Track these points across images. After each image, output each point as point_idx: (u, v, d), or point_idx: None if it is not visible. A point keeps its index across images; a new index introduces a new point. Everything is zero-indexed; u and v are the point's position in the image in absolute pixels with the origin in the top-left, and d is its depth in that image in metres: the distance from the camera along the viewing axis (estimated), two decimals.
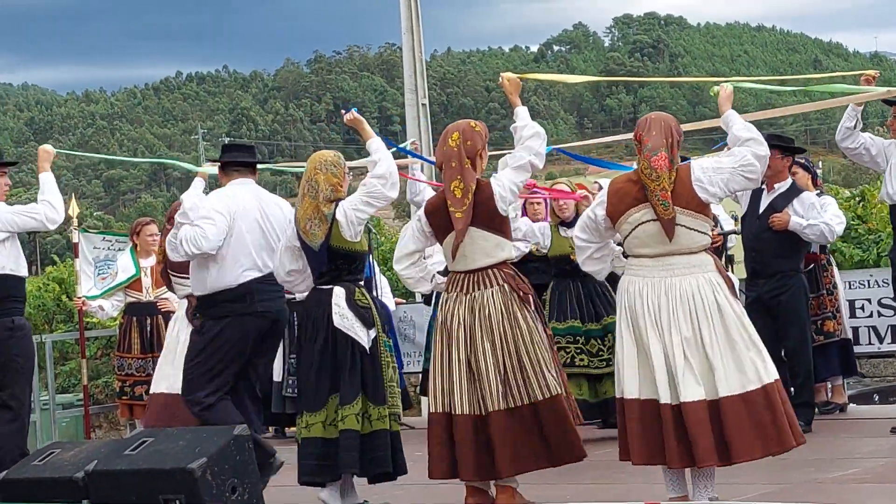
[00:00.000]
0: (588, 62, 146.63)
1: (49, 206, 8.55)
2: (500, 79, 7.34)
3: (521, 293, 6.92)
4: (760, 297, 9.23)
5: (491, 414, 6.81)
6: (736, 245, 10.37)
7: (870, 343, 9.56)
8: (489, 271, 6.96)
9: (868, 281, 11.37)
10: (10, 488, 6.98)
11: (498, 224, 6.97)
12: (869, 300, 10.47)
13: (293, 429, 11.82)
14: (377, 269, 12.54)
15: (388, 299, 12.66)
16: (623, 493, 7.18)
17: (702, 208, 6.40)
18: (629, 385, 6.46)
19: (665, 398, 6.30)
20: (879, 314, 11.22)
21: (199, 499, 6.37)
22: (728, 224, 10.45)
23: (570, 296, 9.94)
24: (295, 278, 7.51)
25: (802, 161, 10.48)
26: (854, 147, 9.14)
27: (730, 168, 6.42)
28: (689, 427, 6.21)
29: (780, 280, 9.20)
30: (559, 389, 6.85)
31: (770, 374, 6.35)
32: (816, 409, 10.36)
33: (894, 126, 9.08)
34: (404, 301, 13.99)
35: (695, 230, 6.40)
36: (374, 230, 13.64)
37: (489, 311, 6.90)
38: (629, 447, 6.46)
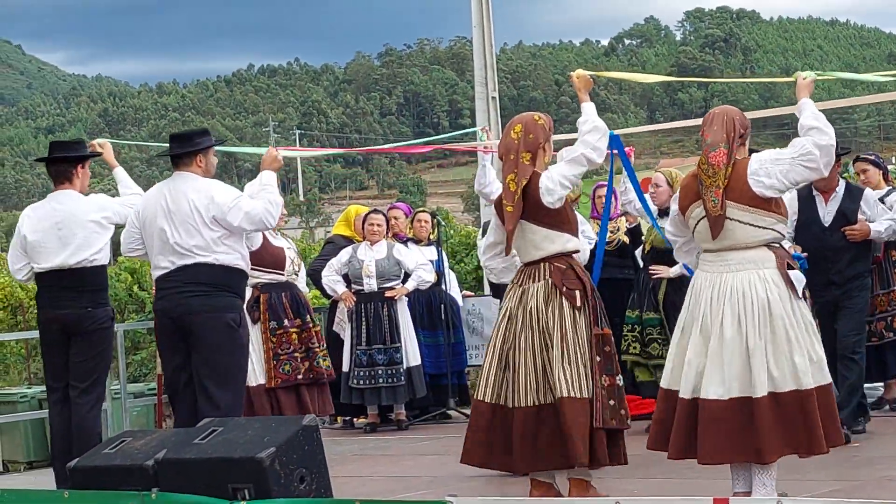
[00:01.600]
0: (659, 56, 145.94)
1: (140, 198, 8.57)
2: (571, 76, 7.30)
3: (567, 288, 6.88)
4: (833, 301, 9.08)
5: (515, 409, 6.83)
6: None
7: None
8: (540, 265, 6.96)
9: None
10: (81, 475, 7.04)
11: (547, 217, 6.94)
12: None
13: (362, 419, 11.91)
14: (446, 263, 12.57)
15: (456, 293, 12.69)
16: (689, 488, 7.14)
17: (758, 202, 6.31)
18: (673, 378, 6.46)
19: (685, 392, 6.31)
20: None
21: (267, 488, 6.39)
22: None
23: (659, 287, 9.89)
24: None
25: (871, 157, 10.35)
26: None
27: (789, 158, 6.34)
28: (701, 424, 6.21)
29: (853, 282, 9.07)
30: (583, 392, 6.78)
31: (816, 378, 6.26)
32: (888, 407, 10.29)
33: None
34: (472, 294, 14.01)
35: (750, 224, 6.32)
36: (443, 223, 13.65)
37: (532, 305, 6.90)
38: (665, 439, 6.46)
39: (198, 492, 6.59)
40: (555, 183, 6.89)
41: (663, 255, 9.65)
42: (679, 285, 9.73)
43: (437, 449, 10.05)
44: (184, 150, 8.03)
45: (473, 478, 8.24)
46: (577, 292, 6.88)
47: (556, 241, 6.97)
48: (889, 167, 11.00)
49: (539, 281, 6.91)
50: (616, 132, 8.93)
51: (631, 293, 10.27)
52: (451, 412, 12.08)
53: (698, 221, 6.43)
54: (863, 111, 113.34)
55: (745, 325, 6.26)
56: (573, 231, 7.07)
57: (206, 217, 7.81)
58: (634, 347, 10.13)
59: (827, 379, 6.38)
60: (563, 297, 6.85)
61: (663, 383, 6.53)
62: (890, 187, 10.52)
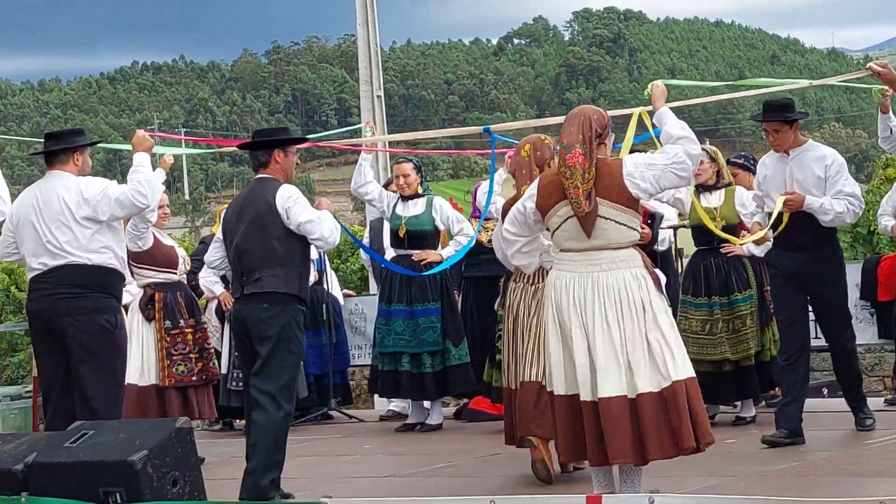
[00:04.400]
0: (548, 56, 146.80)
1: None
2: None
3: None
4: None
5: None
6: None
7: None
8: None
9: None
10: None
11: None
12: None
13: (242, 421, 11.80)
14: (327, 262, 12.51)
15: (337, 292, 12.65)
16: (561, 488, 7.18)
17: (631, 203, 6.34)
18: (557, 381, 6.43)
19: (585, 394, 6.28)
20: None
21: (139, 491, 6.31)
22: (673, 219, 10.47)
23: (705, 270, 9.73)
24: None
25: (741, 161, 10.32)
26: None
27: (662, 164, 6.37)
28: (604, 423, 6.20)
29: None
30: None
31: (679, 371, 6.28)
32: (765, 402, 10.42)
33: None
34: (355, 294, 13.97)
35: (623, 224, 6.35)
36: None
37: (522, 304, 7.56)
38: (556, 444, 6.47)
39: (69, 496, 6.50)
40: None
41: None
42: None
43: (318, 450, 10.01)
44: (57, 146, 7.91)
45: (352, 478, 8.21)
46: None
47: None
48: None
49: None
50: (494, 127, 9.01)
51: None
52: (332, 413, 12.02)
53: (565, 220, 6.40)
54: (746, 111, 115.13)
55: (625, 323, 6.28)
56: None
57: (78, 214, 7.70)
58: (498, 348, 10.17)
59: (692, 373, 6.39)
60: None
61: (557, 390, 6.44)
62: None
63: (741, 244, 8.93)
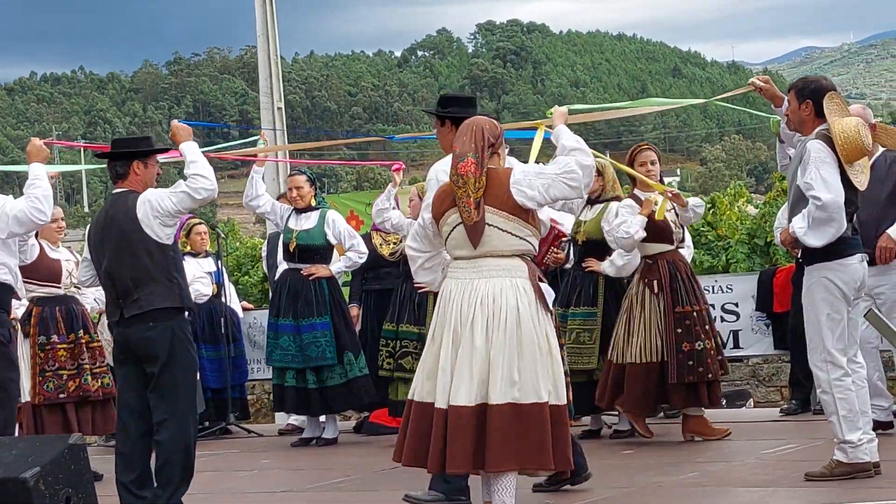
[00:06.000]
0: (451, 68, 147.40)
1: None
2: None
3: None
4: None
5: None
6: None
7: (736, 347, 9.67)
8: None
9: (713, 286, 11.54)
10: None
11: None
12: (713, 305, 10.60)
13: None
14: (226, 276, 12.41)
15: (236, 305, 12.56)
16: None
17: (518, 212, 6.31)
18: (427, 390, 6.36)
19: (441, 402, 6.23)
20: (723, 319, 11.41)
21: None
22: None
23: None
24: None
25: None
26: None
27: (552, 174, 6.38)
28: (449, 430, 6.14)
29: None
30: None
31: (552, 396, 6.22)
32: (663, 413, 10.49)
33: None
34: (253, 307, 13.87)
35: (508, 233, 6.31)
36: (223, 234, 13.47)
37: None
38: (403, 447, 6.40)
39: None
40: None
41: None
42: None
43: (216, 465, 9.91)
44: None
45: (249, 494, 8.14)
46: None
47: None
48: (668, 179, 11.24)
49: None
50: (399, 137, 8.99)
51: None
52: (231, 427, 11.92)
53: (454, 228, 6.37)
54: (648, 123, 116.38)
55: (492, 332, 6.20)
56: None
57: None
58: (389, 363, 10.15)
59: (562, 400, 6.33)
60: None
61: (417, 396, 6.39)
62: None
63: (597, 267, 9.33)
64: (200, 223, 12.16)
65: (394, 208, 10.35)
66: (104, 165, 7.67)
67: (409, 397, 6.45)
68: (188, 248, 11.87)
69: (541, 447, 6.12)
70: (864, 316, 6.99)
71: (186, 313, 7.37)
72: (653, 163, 9.24)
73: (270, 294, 11.60)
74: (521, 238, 6.34)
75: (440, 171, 6.84)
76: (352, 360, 10.43)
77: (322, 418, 10.69)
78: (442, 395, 6.23)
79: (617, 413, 9.61)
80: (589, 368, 9.42)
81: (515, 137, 8.58)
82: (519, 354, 6.19)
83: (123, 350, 7.37)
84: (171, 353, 7.19)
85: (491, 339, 6.19)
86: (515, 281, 6.28)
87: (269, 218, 11.02)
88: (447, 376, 6.23)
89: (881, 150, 8.66)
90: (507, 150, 6.68)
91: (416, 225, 6.69)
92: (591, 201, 9.48)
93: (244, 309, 13.02)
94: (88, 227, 7.72)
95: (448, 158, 6.66)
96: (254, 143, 10.96)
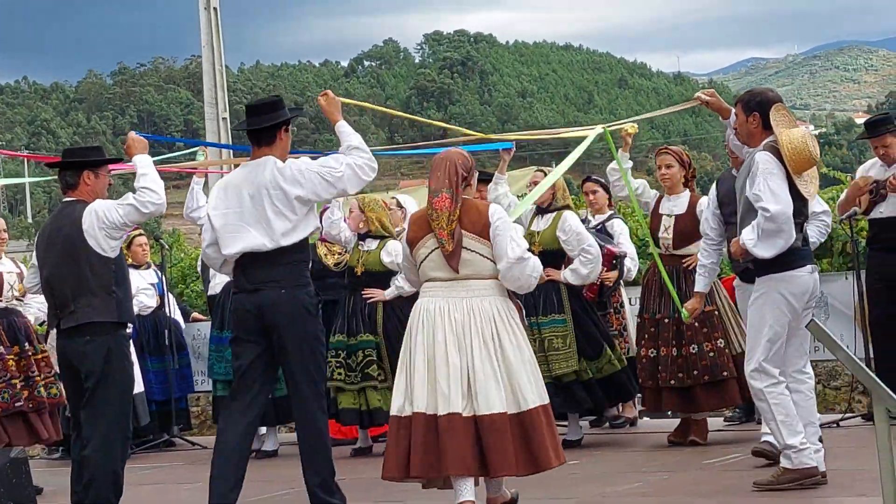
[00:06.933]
0: (398, 78, 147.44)
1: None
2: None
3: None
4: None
5: None
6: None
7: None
8: None
9: None
10: None
11: None
12: None
13: None
14: (166, 287, 12.32)
15: (178, 316, 12.47)
16: None
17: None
18: (419, 401, 6.49)
19: (431, 411, 6.41)
20: None
21: None
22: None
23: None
24: None
25: (602, 180, 10.48)
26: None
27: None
28: (441, 436, 6.34)
29: None
30: None
31: (534, 399, 6.48)
32: (608, 423, 10.51)
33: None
34: (204, 318, 13.78)
35: (484, 257, 6.56)
36: (167, 246, 13.38)
37: None
38: (387, 460, 6.54)
39: None
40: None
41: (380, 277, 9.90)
42: (393, 309, 9.87)
43: (159, 477, 9.84)
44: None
45: None
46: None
47: None
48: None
49: None
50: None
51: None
52: (175, 439, 11.84)
53: (432, 251, 6.61)
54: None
55: (472, 347, 6.43)
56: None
57: None
58: (339, 373, 10.12)
59: (545, 400, 6.56)
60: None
61: (393, 411, 6.58)
62: (612, 212, 10.75)
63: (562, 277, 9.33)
64: (141, 234, 12.09)
65: (345, 219, 10.36)
66: (49, 178, 7.62)
67: (396, 413, 6.57)
68: (129, 259, 11.79)
69: (535, 451, 6.41)
70: (806, 326, 7.04)
71: (123, 329, 7.30)
72: (668, 166, 9.30)
73: (208, 307, 11.54)
74: (493, 261, 6.59)
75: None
76: None
77: (263, 430, 10.62)
78: (420, 402, 6.43)
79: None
80: (570, 371, 9.38)
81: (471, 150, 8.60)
82: (507, 367, 6.47)
83: (62, 362, 7.32)
84: (104, 370, 7.11)
85: (471, 353, 6.43)
86: (494, 300, 6.57)
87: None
88: (423, 387, 6.44)
89: None
90: (476, 176, 6.89)
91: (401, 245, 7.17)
92: (542, 211, 9.50)
93: (195, 320, 12.96)
94: (38, 232, 7.65)
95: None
96: (193, 157, 10.90)
